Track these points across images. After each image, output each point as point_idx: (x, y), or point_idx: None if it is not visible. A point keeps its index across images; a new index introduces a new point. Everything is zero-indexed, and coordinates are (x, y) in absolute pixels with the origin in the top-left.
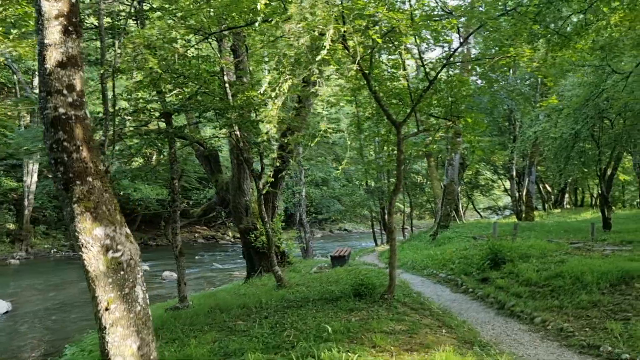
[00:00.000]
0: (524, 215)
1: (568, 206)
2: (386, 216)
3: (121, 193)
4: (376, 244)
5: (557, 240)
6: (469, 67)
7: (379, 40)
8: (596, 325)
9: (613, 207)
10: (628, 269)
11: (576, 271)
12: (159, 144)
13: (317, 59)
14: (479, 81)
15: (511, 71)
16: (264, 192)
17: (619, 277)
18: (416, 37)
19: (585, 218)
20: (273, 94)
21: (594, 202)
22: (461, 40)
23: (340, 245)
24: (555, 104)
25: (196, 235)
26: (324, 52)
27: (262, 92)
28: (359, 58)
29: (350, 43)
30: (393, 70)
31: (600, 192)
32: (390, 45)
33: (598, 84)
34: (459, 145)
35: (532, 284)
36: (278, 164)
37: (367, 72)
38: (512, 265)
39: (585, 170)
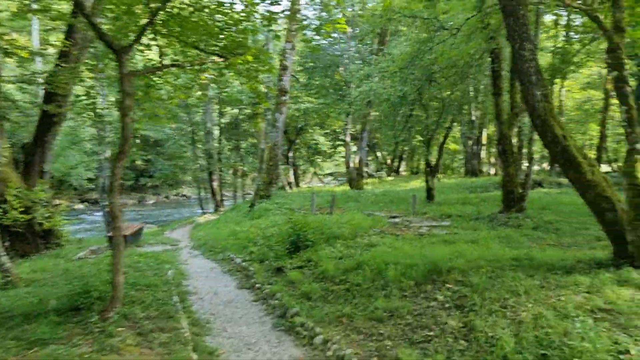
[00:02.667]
0: (355, 183)
1: (405, 173)
2: (214, 183)
3: None
4: (203, 212)
5: (378, 214)
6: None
7: None
8: (388, 351)
9: (439, 176)
10: (436, 259)
11: (380, 262)
12: None
13: None
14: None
15: (350, 30)
16: None
17: (426, 271)
18: None
19: (414, 187)
20: None
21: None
22: None
23: (166, 213)
24: (387, 66)
25: None
26: None
27: None
28: None
29: None
30: None
31: (425, 160)
32: None
33: (426, 40)
34: (284, 105)
35: (328, 278)
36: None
37: None
38: (313, 250)
39: (421, 138)
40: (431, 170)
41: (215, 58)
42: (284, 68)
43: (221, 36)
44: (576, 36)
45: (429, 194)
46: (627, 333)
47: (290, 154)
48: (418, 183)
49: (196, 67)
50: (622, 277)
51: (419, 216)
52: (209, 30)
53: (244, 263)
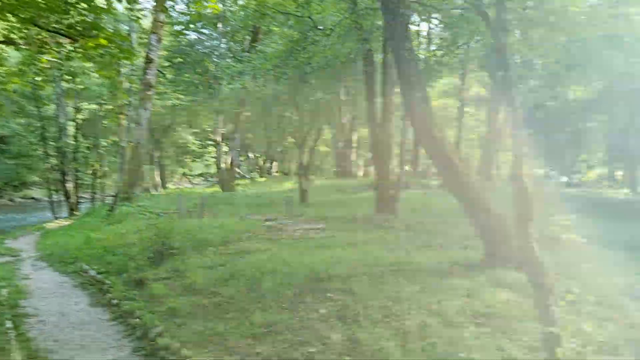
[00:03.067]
0: (226, 185)
1: (277, 174)
2: (68, 184)
3: None
4: (55, 217)
5: (251, 217)
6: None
7: None
8: None
9: (313, 177)
10: (316, 266)
11: (255, 271)
12: None
13: None
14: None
15: (219, 25)
16: None
17: (305, 280)
18: None
19: (287, 188)
20: None
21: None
22: None
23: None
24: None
25: None
26: None
27: None
28: None
29: None
30: None
31: (298, 162)
32: None
33: (300, 39)
34: (149, 100)
35: (198, 291)
36: None
37: None
38: (180, 259)
39: (293, 139)
40: (304, 172)
41: (60, 38)
42: (149, 61)
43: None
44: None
45: (303, 195)
46: (509, 338)
47: (157, 154)
48: (291, 184)
49: (33, 47)
50: (496, 278)
51: (294, 218)
52: (50, 4)
53: (99, 275)
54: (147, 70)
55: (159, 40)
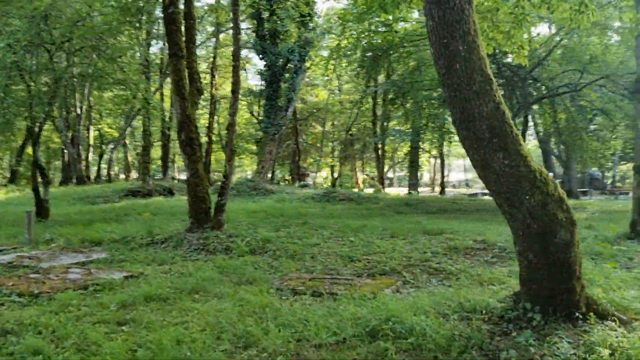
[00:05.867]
0: None
1: None
2: None
3: None
4: None
5: None
6: None
7: None
8: None
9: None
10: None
11: None
12: None
13: None
14: None
15: None
16: None
17: None
18: None
19: (6, 198)
20: None
21: (10, 178)
22: None
23: None
24: None
25: None
26: None
27: None
28: None
29: None
30: None
31: (35, 161)
32: None
33: None
34: None
35: None
36: None
37: None
38: None
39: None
40: (43, 174)
41: None
42: None
43: None
44: None
45: (42, 208)
46: None
47: None
48: (3, 194)
49: None
50: None
51: (43, 246)
52: None
53: None
54: None
55: None
